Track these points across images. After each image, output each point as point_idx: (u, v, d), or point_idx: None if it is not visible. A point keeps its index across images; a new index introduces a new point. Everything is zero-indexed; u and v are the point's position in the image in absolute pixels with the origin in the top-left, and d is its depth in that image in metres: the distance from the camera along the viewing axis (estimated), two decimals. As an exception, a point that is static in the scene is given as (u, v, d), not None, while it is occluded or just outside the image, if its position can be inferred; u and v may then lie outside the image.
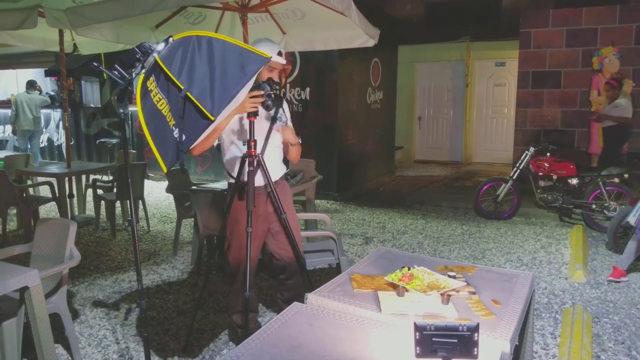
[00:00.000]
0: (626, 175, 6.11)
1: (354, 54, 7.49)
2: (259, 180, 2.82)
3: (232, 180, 2.90)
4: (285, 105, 2.93)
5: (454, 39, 9.93)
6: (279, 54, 2.77)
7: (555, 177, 6.24)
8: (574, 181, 6.16)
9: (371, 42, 5.26)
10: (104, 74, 9.32)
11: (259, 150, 2.74)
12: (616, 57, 7.20)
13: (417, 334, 1.48)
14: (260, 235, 3.00)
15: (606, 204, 5.92)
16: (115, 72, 2.19)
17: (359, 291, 2.26)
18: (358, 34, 5.14)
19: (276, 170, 2.96)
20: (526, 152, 6.49)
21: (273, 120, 2.84)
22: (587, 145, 7.55)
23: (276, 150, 2.95)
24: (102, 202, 6.14)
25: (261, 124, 2.82)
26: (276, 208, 2.93)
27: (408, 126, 11.36)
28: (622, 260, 4.40)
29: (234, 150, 2.90)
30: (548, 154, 6.39)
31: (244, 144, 2.65)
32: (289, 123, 2.96)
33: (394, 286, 2.25)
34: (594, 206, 6.01)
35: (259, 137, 2.80)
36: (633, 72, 7.20)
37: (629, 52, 7.17)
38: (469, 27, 9.62)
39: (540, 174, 6.33)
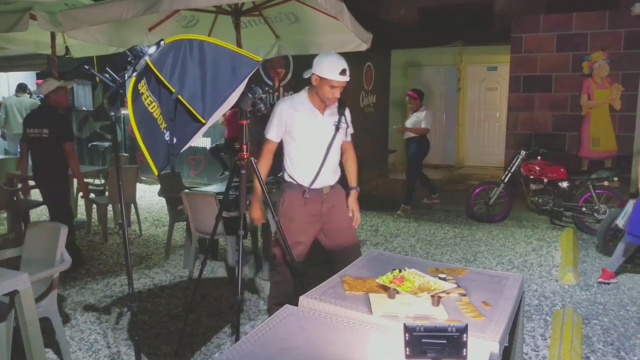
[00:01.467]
0: (616, 179, 6.17)
1: (347, 58, 7.41)
2: (317, 184, 3.04)
3: (292, 181, 3.07)
4: (347, 112, 3.10)
5: (446, 44, 9.97)
6: (343, 72, 2.82)
7: (546, 180, 6.29)
8: (565, 184, 6.21)
9: (364, 46, 5.29)
10: (96, 77, 9.34)
11: (321, 156, 2.95)
12: (606, 61, 7.28)
13: (407, 335, 1.49)
14: (311, 233, 3.17)
15: (596, 207, 5.97)
16: (107, 75, 2.19)
17: (350, 293, 2.27)
18: (351, 38, 5.16)
19: (334, 175, 3.12)
20: (517, 155, 6.54)
21: (336, 128, 2.98)
22: (577, 148, 7.62)
23: (335, 156, 3.09)
24: (94, 206, 6.11)
25: (324, 131, 2.97)
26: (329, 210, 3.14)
27: (394, 130, 11.39)
28: (611, 262, 4.44)
29: (303, 158, 3.04)
30: (539, 158, 6.44)
31: (313, 155, 2.99)
32: (350, 130, 3.15)
33: (385, 288, 2.26)
34: (584, 209, 6.06)
35: (323, 143, 2.98)
36: (622, 77, 7.28)
37: (618, 57, 7.25)
38: (461, 31, 9.67)
39: (532, 177, 6.38)
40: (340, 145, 3.12)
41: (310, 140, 3.00)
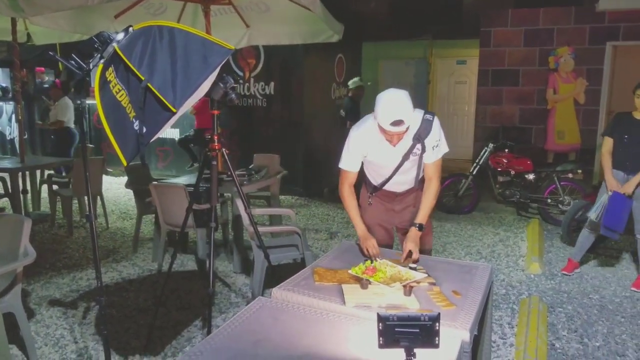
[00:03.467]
0: (580, 171, 6.35)
1: (318, 49, 7.48)
2: (399, 186, 2.89)
3: (374, 183, 2.94)
4: (430, 136, 2.63)
5: (416, 37, 10.05)
6: (395, 123, 2.40)
7: (513, 172, 6.42)
8: (531, 176, 6.35)
9: (336, 38, 5.29)
10: (60, 65, 9.05)
11: (391, 171, 2.76)
12: (571, 56, 7.45)
13: (380, 324, 1.49)
14: (390, 227, 3.08)
15: (561, 199, 6.13)
16: (73, 62, 2.12)
17: (321, 284, 2.27)
18: (322, 29, 5.15)
19: (405, 185, 2.90)
20: (485, 148, 6.65)
21: (406, 157, 2.70)
22: (543, 141, 7.80)
23: (406, 176, 2.83)
24: (58, 198, 5.94)
25: (394, 158, 2.72)
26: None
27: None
28: (575, 253, 4.57)
29: (372, 171, 2.93)
30: (506, 150, 6.57)
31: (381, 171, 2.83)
32: (433, 154, 2.72)
33: (357, 279, 2.27)
34: (549, 200, 6.22)
35: (391, 167, 2.77)
36: (587, 72, 7.47)
37: (583, 52, 7.44)
38: (431, 25, 9.75)
39: (499, 169, 6.50)
40: (423, 169, 2.80)
41: (380, 164, 2.81)
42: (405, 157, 2.68)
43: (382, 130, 2.50)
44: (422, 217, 2.73)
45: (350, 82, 7.95)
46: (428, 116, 2.62)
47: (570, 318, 3.71)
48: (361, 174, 2.91)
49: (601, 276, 4.54)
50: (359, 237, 2.74)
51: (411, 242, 2.56)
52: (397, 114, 2.38)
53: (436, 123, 2.65)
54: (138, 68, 2.02)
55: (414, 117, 2.56)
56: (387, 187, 2.89)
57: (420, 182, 2.86)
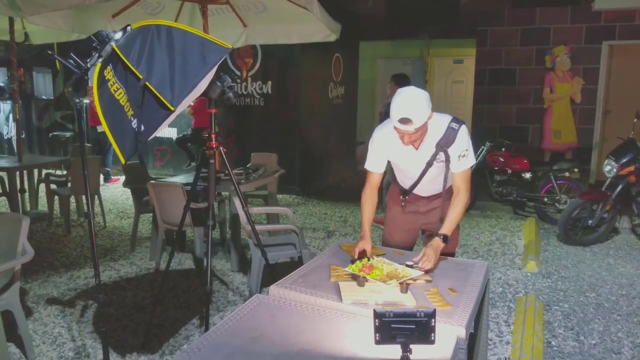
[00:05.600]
0: (576, 170, 6.38)
1: (316, 49, 7.49)
2: (427, 192, 2.85)
3: (404, 187, 2.90)
4: (454, 146, 2.53)
5: (414, 37, 10.06)
6: (403, 121, 2.35)
7: (509, 171, 6.44)
8: (528, 175, 6.37)
9: (333, 37, 5.29)
10: (58, 65, 9.04)
11: (417, 176, 2.73)
12: (567, 55, 7.49)
13: (377, 320, 1.51)
14: (414, 228, 3.03)
15: (557, 197, 6.16)
16: (71, 61, 2.12)
17: (334, 281, 2.28)
18: (320, 28, 5.15)
19: (433, 190, 2.84)
20: (482, 147, 6.67)
21: (429, 164, 2.65)
22: (540, 141, 7.83)
23: (432, 185, 2.77)
24: (56, 197, 5.94)
25: (418, 164, 2.68)
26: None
27: (369, 122, 11.46)
28: None
29: (400, 174, 2.89)
30: (503, 149, 6.59)
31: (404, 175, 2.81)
32: (460, 164, 2.59)
33: (354, 277, 2.28)
34: (545, 199, 6.24)
35: (416, 172, 2.72)
36: (583, 71, 7.50)
37: (579, 51, 7.47)
38: (428, 25, 9.78)
39: (496, 168, 6.52)
40: (450, 178, 2.68)
41: (403, 168, 2.80)
42: (429, 163, 2.63)
43: (395, 128, 2.46)
44: (447, 228, 2.56)
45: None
46: (454, 124, 2.53)
47: (567, 316, 3.73)
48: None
49: (597, 274, 4.56)
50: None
51: (431, 250, 2.42)
52: (405, 111, 2.34)
53: (462, 132, 2.54)
54: (136, 67, 2.03)
55: (438, 123, 2.52)
56: (415, 191, 2.86)
57: (449, 189, 2.75)
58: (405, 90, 2.43)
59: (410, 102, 2.37)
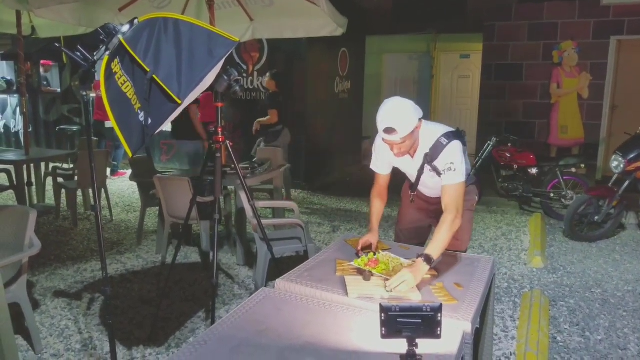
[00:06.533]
0: (583, 166, 6.34)
1: (322, 43, 7.48)
2: (431, 193, 2.85)
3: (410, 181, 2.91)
4: (440, 160, 2.48)
5: (420, 31, 10.02)
6: (387, 131, 2.34)
7: (515, 166, 6.42)
8: (534, 171, 6.34)
9: (339, 31, 5.27)
10: (64, 58, 9.06)
11: (414, 179, 2.74)
12: (575, 51, 7.43)
13: (383, 315, 1.51)
14: (423, 223, 3.04)
15: (563, 193, 6.13)
16: (78, 54, 2.13)
17: (340, 275, 2.29)
18: (326, 22, 5.13)
19: (434, 192, 2.82)
20: (488, 142, 6.63)
21: (421, 171, 2.64)
22: (546, 136, 7.79)
23: (439, 184, 2.64)
24: (63, 191, 5.97)
25: (413, 170, 2.71)
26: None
27: (375, 116, 11.45)
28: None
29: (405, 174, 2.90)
30: (509, 145, 6.56)
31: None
32: (448, 178, 2.47)
33: (360, 271, 2.28)
34: (552, 195, 6.22)
35: (413, 177, 2.76)
36: (591, 66, 7.45)
37: (587, 46, 7.41)
38: (435, 19, 9.73)
39: (502, 163, 6.50)
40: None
41: (404, 171, 2.83)
42: (420, 171, 2.64)
43: (382, 139, 2.46)
44: (432, 250, 2.26)
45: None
46: (443, 139, 2.47)
47: (572, 312, 3.72)
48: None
49: (603, 270, 4.54)
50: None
51: (406, 271, 2.12)
52: (388, 121, 2.31)
53: (450, 149, 2.45)
54: (143, 60, 2.03)
55: (429, 135, 2.50)
56: (419, 188, 2.88)
57: None
58: (389, 101, 2.41)
59: (394, 112, 2.35)
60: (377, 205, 2.79)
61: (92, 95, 8.06)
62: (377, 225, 2.70)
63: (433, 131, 2.52)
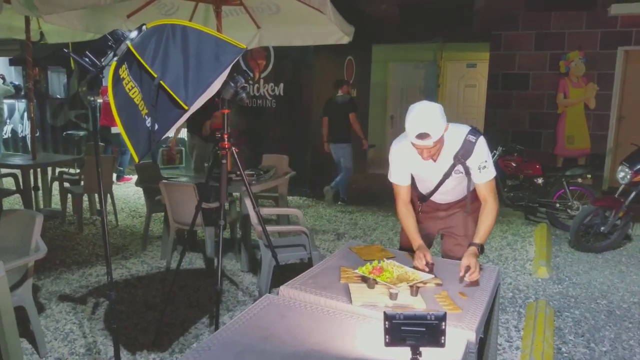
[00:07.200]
0: (589, 176, 6.31)
1: (328, 51, 7.50)
2: (444, 201, 2.84)
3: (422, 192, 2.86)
4: (472, 158, 2.51)
5: (427, 40, 10.04)
6: (420, 136, 2.32)
7: (521, 176, 6.40)
8: (540, 181, 6.32)
9: (346, 39, 5.29)
10: (72, 64, 9.14)
11: (433, 185, 2.71)
12: (582, 61, 7.42)
13: (387, 322, 1.50)
14: (431, 232, 3.01)
15: (569, 203, 6.10)
16: (87, 60, 2.15)
17: (344, 283, 2.28)
18: (333, 30, 5.16)
19: (451, 199, 2.83)
20: (494, 152, 6.62)
21: (446, 175, 2.64)
22: (552, 146, 7.76)
23: (458, 187, 2.74)
24: (69, 196, 6.00)
25: (436, 175, 2.67)
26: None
27: (380, 125, 11.45)
28: None
29: (420, 183, 2.83)
30: (515, 154, 6.55)
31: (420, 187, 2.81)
32: (482, 176, 2.57)
33: (364, 279, 2.28)
34: (558, 205, 6.19)
35: (434, 182, 2.71)
36: (598, 77, 7.44)
37: (594, 56, 7.40)
38: (441, 28, 9.75)
39: (508, 173, 6.48)
40: (473, 189, 2.66)
41: (420, 178, 2.77)
42: (447, 174, 2.61)
43: (413, 144, 2.43)
44: (481, 237, 2.53)
45: None
46: (471, 137, 2.50)
47: (577, 323, 3.69)
48: None
49: (609, 282, 4.51)
50: (415, 251, 2.57)
51: (473, 260, 2.35)
52: (421, 126, 2.30)
53: (480, 144, 2.50)
54: (151, 65, 2.05)
55: (455, 135, 2.50)
56: (433, 198, 2.84)
57: (473, 194, 2.71)
58: (418, 105, 2.40)
59: (425, 116, 2.33)
60: (411, 221, 2.70)
61: (100, 100, 8.13)
62: (420, 239, 2.62)
63: (459, 131, 2.53)
